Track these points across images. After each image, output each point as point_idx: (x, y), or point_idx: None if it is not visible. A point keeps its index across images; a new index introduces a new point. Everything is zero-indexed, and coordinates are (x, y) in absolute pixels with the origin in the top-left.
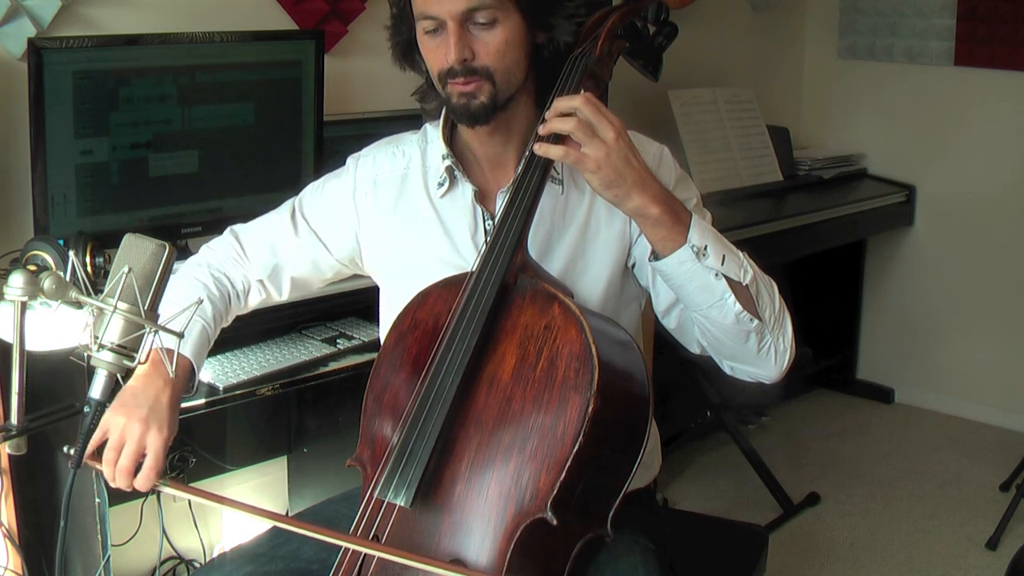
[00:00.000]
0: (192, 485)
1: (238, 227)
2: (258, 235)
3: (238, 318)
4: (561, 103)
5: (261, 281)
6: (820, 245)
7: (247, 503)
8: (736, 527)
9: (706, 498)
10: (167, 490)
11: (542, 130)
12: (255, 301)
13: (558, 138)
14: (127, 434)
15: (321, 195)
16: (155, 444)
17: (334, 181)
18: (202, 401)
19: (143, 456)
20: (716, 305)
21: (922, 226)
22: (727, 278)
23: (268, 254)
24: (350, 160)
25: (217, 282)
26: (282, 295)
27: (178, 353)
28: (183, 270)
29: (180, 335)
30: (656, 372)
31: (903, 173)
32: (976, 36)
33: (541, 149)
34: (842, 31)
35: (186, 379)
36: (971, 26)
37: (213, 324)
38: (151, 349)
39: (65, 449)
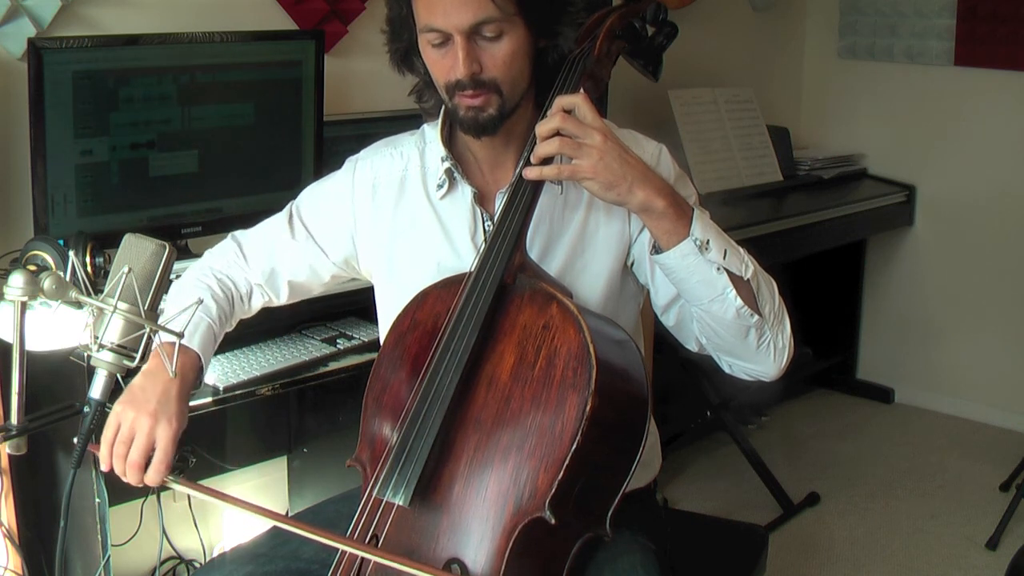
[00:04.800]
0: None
1: (240, 232)
2: (257, 240)
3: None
4: (542, 128)
5: (260, 285)
6: (820, 245)
7: (250, 502)
8: (736, 527)
9: (706, 498)
10: (175, 486)
11: (533, 158)
12: (258, 304)
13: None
14: (136, 428)
15: (318, 199)
16: (164, 437)
17: (330, 184)
18: (203, 401)
19: (153, 450)
20: (718, 299)
21: (922, 226)
22: (728, 272)
23: (265, 259)
24: (348, 163)
25: (221, 284)
26: (280, 299)
27: (186, 346)
28: (187, 274)
29: (180, 335)
30: (656, 372)
31: (903, 173)
32: (976, 36)
33: (533, 173)
34: (842, 31)
35: (195, 373)
36: (971, 26)
37: (219, 323)
38: (156, 345)
39: (75, 440)
